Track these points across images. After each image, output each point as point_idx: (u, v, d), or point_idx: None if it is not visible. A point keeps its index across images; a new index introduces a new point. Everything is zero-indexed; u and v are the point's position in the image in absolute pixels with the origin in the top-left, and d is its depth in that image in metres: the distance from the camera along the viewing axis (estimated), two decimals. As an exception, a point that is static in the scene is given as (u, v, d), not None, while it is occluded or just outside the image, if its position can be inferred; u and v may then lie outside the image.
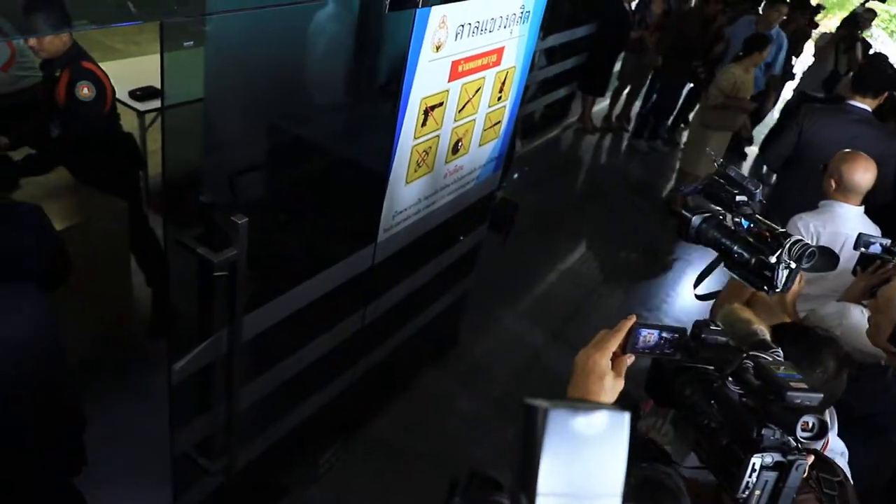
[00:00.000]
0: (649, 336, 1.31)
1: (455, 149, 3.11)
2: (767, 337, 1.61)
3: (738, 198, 1.71)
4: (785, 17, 7.26)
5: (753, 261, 1.59)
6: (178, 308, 2.64)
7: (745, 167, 8.26)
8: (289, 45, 2.79)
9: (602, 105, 8.30)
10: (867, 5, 8.68)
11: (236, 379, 2.51)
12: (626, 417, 0.53)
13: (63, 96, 3.09)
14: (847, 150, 3.20)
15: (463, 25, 2.69)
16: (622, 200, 6.79)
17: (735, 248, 1.64)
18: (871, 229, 3.04)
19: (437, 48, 2.60)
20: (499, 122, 3.38)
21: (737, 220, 1.69)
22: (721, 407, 1.21)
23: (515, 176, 6.59)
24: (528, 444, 0.52)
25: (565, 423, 0.51)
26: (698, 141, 6.21)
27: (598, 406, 0.52)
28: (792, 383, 1.09)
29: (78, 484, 2.42)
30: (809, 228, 3.10)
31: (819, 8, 8.82)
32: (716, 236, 1.69)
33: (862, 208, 3.15)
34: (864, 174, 3.07)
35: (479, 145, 3.31)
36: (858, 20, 7.83)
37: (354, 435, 3.64)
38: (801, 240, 1.56)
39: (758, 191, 1.71)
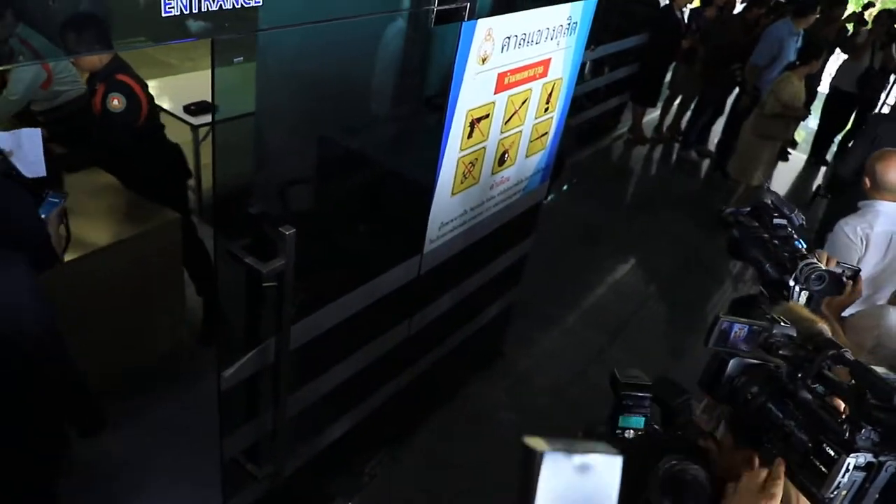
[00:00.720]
0: (740, 331, 1.28)
1: (501, 160, 3.12)
2: (831, 335, 1.58)
3: (776, 220, 1.77)
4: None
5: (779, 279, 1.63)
6: (227, 317, 2.69)
7: (789, 170, 8.11)
8: (337, 59, 2.84)
9: (653, 115, 8.23)
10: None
11: (284, 387, 2.55)
12: (618, 461, 0.55)
13: (98, 107, 3.22)
14: (885, 148, 3.15)
15: (509, 38, 2.71)
16: (670, 212, 6.69)
17: (766, 266, 1.68)
18: None
19: (483, 60, 2.62)
20: (546, 133, 3.38)
21: (774, 241, 1.74)
22: (798, 406, 1.18)
23: (565, 187, 6.60)
24: (525, 483, 0.55)
25: (560, 464, 0.54)
26: (751, 151, 6.11)
27: (592, 448, 0.54)
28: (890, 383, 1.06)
29: (133, 486, 2.49)
30: (857, 231, 3.05)
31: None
32: (754, 255, 1.73)
33: None
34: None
35: (526, 157, 3.31)
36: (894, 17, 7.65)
37: (399, 445, 3.66)
38: (812, 263, 1.59)
39: (793, 214, 1.77)
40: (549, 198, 6.07)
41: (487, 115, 2.83)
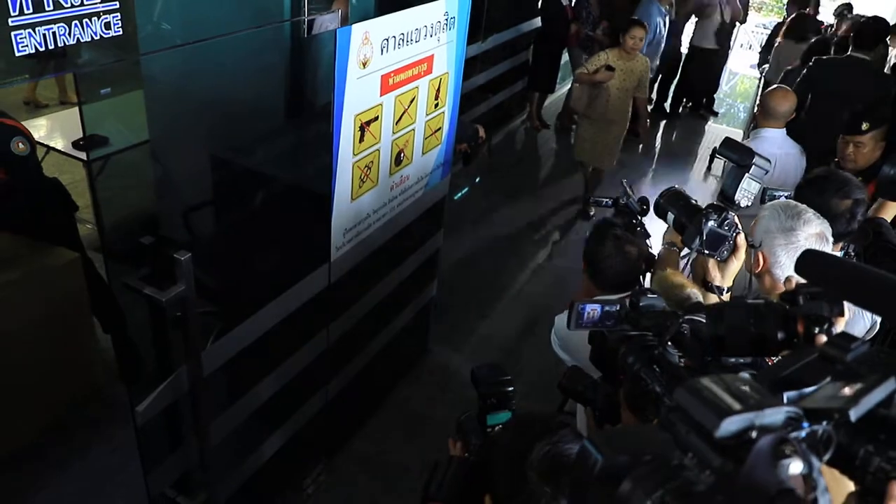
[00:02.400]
0: (592, 311, 1.38)
1: (398, 160, 3.15)
2: (701, 298, 1.67)
3: None
4: None
5: None
6: (138, 349, 2.65)
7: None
8: (221, 78, 2.83)
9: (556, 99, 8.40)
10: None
11: (204, 413, 2.53)
12: None
13: None
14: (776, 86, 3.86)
15: (388, 39, 2.73)
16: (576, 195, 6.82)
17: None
18: (792, 147, 3.68)
19: (364, 64, 2.64)
20: (440, 128, 3.42)
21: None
22: (664, 371, 1.25)
23: (478, 180, 6.67)
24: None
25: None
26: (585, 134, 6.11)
27: None
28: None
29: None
30: None
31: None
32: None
33: (784, 130, 3.68)
34: (783, 101, 3.63)
35: (423, 154, 3.35)
36: None
37: (336, 454, 3.66)
38: None
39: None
40: (462, 192, 6.16)
41: (376, 118, 2.85)
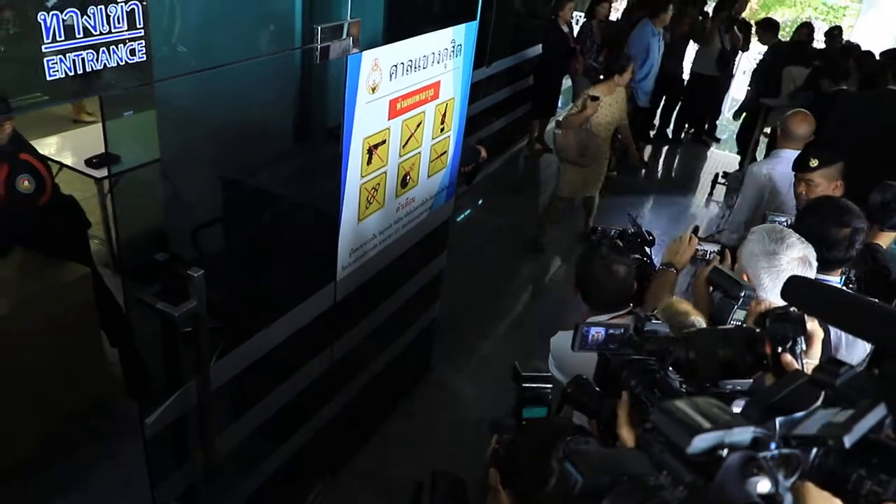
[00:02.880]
0: (597, 334, 1.44)
1: (404, 182, 3.23)
2: (705, 326, 1.74)
3: None
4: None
5: None
6: (147, 363, 2.71)
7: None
8: (234, 102, 2.91)
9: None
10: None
11: (210, 427, 2.58)
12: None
13: (3, 187, 3.16)
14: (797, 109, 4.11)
15: (396, 65, 2.82)
16: (580, 219, 6.89)
17: None
18: None
19: (373, 90, 2.73)
20: (445, 152, 3.50)
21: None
22: (664, 394, 1.30)
23: (480, 202, 6.76)
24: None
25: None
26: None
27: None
28: None
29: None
30: (763, 170, 3.88)
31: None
32: None
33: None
34: (802, 124, 3.88)
35: (428, 176, 3.43)
36: (732, 2, 8.55)
37: (340, 470, 3.70)
38: None
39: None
40: (465, 214, 6.24)
41: (384, 141, 2.93)
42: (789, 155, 3.73)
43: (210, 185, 3.04)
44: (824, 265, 2.29)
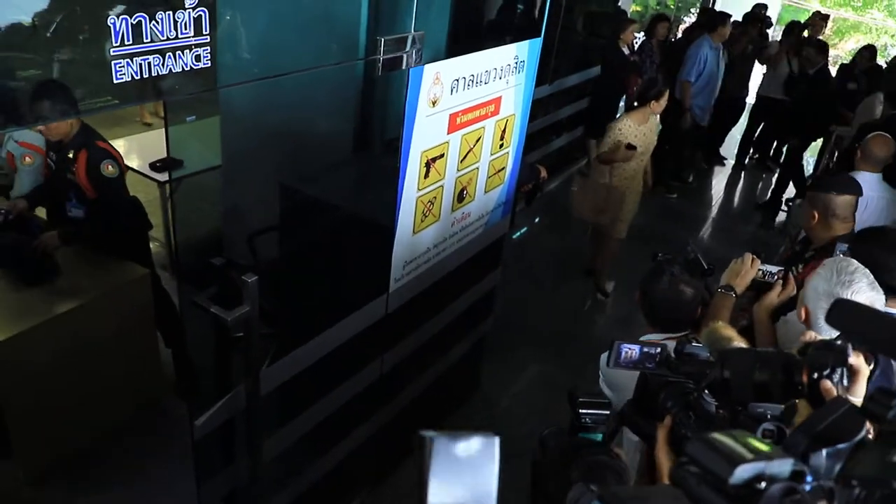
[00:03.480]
0: (630, 352, 1.43)
1: (460, 197, 3.21)
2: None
3: None
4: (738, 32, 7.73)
5: None
6: (200, 365, 2.75)
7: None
8: (296, 110, 2.94)
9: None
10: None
11: (258, 432, 2.60)
12: (496, 440, 0.66)
13: (85, 176, 3.27)
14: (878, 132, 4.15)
15: (458, 80, 2.82)
16: (638, 242, 6.77)
17: None
18: (886, 191, 4.00)
19: (434, 103, 2.72)
20: (503, 168, 3.48)
21: None
22: (698, 418, 1.28)
23: (537, 220, 6.71)
24: (420, 467, 0.64)
25: (447, 447, 0.64)
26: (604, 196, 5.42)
27: (471, 434, 0.64)
28: None
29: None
30: None
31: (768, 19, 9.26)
32: None
33: (880, 175, 3.99)
34: (882, 147, 3.98)
35: (485, 192, 3.41)
36: (803, 25, 8.55)
37: (381, 484, 3.69)
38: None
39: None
40: (521, 231, 6.19)
41: (442, 155, 2.92)
42: (868, 177, 3.85)
43: (267, 192, 3.08)
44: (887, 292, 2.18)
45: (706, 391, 1.30)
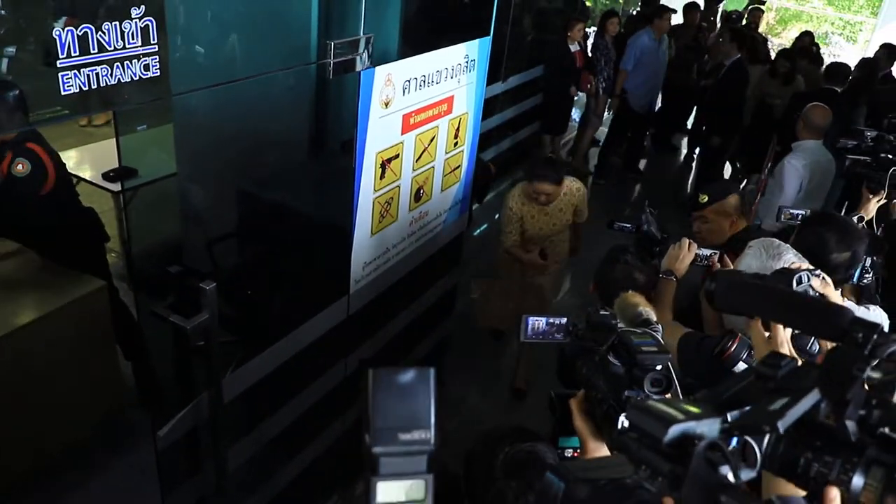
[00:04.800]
0: (537, 323, 1.54)
1: (417, 196, 3.24)
2: (652, 316, 1.80)
3: None
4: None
5: None
6: (161, 376, 2.73)
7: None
8: (248, 116, 2.94)
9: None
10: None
11: (223, 439, 2.59)
12: (431, 370, 0.72)
13: (4, 172, 3.24)
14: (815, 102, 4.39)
15: (409, 80, 2.84)
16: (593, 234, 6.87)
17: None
18: (825, 154, 4.27)
19: (386, 104, 2.74)
20: (458, 166, 3.51)
21: None
22: (606, 379, 1.35)
23: (497, 216, 6.75)
24: (364, 396, 0.70)
25: (387, 377, 0.71)
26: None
27: (408, 368, 0.71)
28: (643, 348, 1.27)
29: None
30: (799, 163, 4.18)
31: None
32: None
33: (821, 141, 4.26)
34: (822, 116, 4.22)
35: (442, 191, 3.44)
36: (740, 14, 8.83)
37: (352, 484, 3.69)
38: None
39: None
40: (480, 229, 6.23)
41: (397, 156, 2.95)
42: (811, 144, 4.23)
43: (225, 198, 3.07)
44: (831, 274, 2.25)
45: (610, 353, 1.37)
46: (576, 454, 1.56)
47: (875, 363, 0.83)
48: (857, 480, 0.81)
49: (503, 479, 1.24)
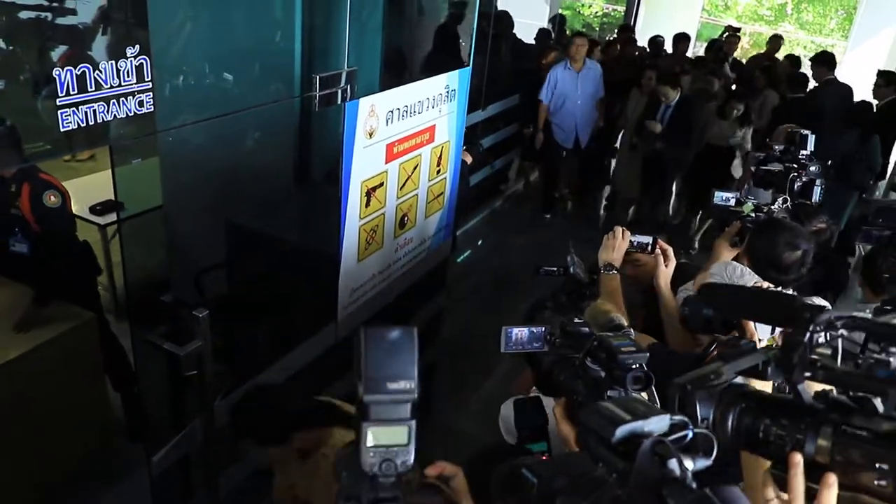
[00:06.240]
0: (520, 334, 1.58)
1: (402, 223, 3.31)
2: (623, 321, 1.86)
3: None
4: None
5: None
6: (149, 407, 2.76)
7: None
8: (236, 148, 3.01)
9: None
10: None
11: (215, 466, 2.63)
12: (414, 329, 0.82)
13: (28, 207, 3.24)
14: None
15: (392, 111, 2.93)
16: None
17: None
18: None
19: (370, 134, 2.83)
20: (441, 193, 3.60)
21: None
22: (585, 383, 1.41)
23: (480, 242, 6.84)
24: (357, 350, 0.81)
25: (376, 334, 0.81)
26: None
27: (395, 326, 0.81)
28: (623, 348, 1.32)
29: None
30: None
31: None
32: None
33: None
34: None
35: (426, 217, 3.52)
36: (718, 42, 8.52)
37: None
38: None
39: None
40: (464, 255, 6.31)
41: (382, 184, 3.03)
42: None
43: (213, 229, 3.12)
44: (777, 286, 2.35)
45: (588, 358, 1.42)
46: (545, 458, 1.62)
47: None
48: (810, 440, 0.92)
49: (499, 500, 1.29)
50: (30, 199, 3.25)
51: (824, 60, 7.09)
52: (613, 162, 7.64)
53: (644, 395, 1.30)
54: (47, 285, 3.41)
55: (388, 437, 0.83)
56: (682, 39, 8.35)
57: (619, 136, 7.35)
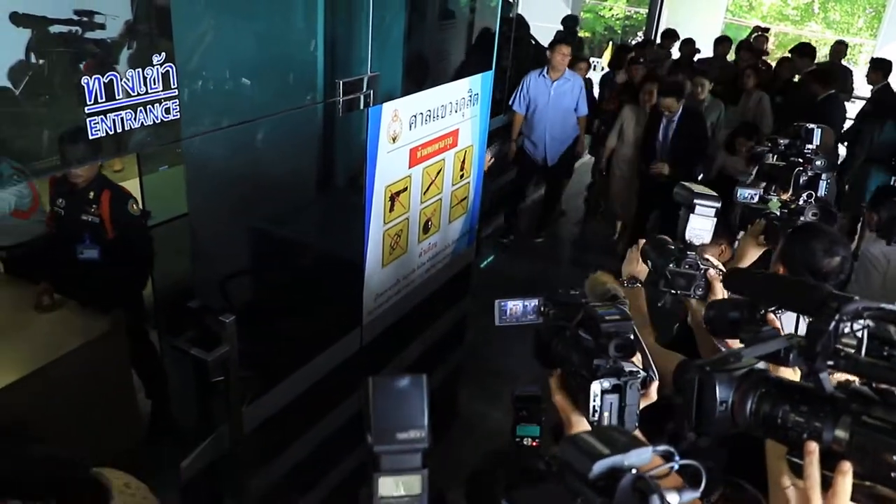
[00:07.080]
0: (515, 307, 1.57)
1: (426, 228, 3.32)
2: (620, 293, 1.87)
3: None
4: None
5: None
6: (178, 413, 2.78)
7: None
8: (260, 154, 3.03)
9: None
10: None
11: (243, 470, 2.64)
12: (423, 377, 0.80)
13: (108, 215, 3.26)
14: None
15: (416, 115, 2.94)
16: (595, 257, 6.90)
17: None
18: None
19: (394, 139, 2.83)
20: (465, 197, 3.60)
21: None
22: (578, 353, 1.38)
23: (509, 239, 6.81)
24: (365, 400, 0.79)
25: (384, 383, 0.79)
26: None
27: (403, 374, 0.80)
28: (607, 317, 1.30)
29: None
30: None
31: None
32: None
33: None
34: None
35: (450, 222, 3.52)
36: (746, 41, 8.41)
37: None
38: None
39: None
40: (488, 260, 6.30)
41: (406, 189, 3.03)
42: None
43: (238, 236, 3.14)
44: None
45: (580, 329, 1.40)
46: (534, 443, 1.64)
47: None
48: (828, 429, 0.92)
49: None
50: (112, 206, 3.26)
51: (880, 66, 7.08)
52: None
53: (631, 362, 1.29)
54: (108, 291, 3.41)
55: (400, 488, 0.82)
56: (723, 42, 8.27)
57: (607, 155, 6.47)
